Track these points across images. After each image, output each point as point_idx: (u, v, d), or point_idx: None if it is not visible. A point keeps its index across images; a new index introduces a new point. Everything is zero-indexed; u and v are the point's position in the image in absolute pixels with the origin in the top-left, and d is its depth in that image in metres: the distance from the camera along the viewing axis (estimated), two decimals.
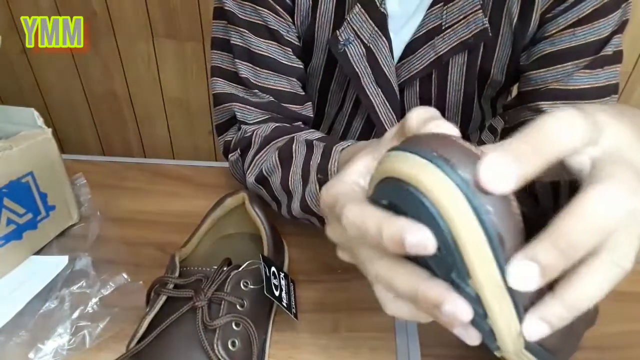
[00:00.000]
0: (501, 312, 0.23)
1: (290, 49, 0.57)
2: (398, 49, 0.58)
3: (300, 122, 0.59)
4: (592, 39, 0.51)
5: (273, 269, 0.42)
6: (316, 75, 0.64)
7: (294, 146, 0.50)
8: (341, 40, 0.56)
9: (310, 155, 0.47)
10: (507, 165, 0.21)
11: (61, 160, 0.54)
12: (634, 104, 1.40)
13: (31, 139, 0.51)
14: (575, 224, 0.21)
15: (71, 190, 0.56)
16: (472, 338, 0.25)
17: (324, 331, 0.45)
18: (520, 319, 0.23)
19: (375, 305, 0.28)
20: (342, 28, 0.55)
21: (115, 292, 0.49)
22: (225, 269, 0.41)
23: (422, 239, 0.22)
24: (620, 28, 0.52)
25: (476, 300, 0.23)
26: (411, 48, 0.57)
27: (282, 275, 0.43)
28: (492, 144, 0.24)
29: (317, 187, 0.46)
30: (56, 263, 0.49)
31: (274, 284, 0.42)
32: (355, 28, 0.55)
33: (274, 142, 0.54)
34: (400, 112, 0.63)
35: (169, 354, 0.38)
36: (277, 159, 0.51)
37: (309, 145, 0.49)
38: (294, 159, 0.49)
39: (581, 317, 0.24)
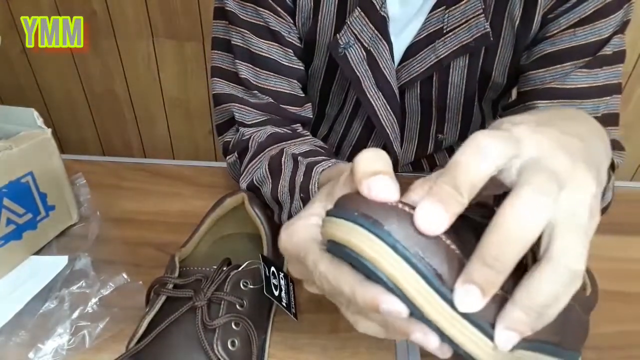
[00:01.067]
0: (464, 337, 0.24)
1: (291, 50, 0.57)
2: (399, 51, 0.58)
3: (299, 124, 0.59)
4: (593, 40, 0.51)
5: (273, 269, 0.42)
6: (318, 76, 0.64)
7: (282, 159, 0.50)
8: (341, 43, 0.56)
9: (296, 172, 0.48)
10: (437, 212, 0.23)
11: (61, 160, 0.55)
12: (634, 104, 1.40)
13: (31, 139, 0.51)
14: (495, 238, 0.23)
15: (71, 190, 0.56)
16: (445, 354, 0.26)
17: (323, 331, 0.45)
18: (487, 333, 0.24)
19: None
20: (343, 31, 0.55)
21: (115, 292, 0.49)
22: (224, 268, 0.41)
23: (394, 308, 0.24)
24: (621, 28, 0.52)
25: (440, 332, 0.24)
26: (412, 51, 0.57)
27: (281, 275, 0.43)
28: (418, 181, 0.26)
29: (302, 205, 0.46)
30: (56, 263, 0.49)
31: (273, 284, 0.42)
32: (356, 31, 0.55)
33: (267, 150, 0.54)
34: (401, 114, 0.63)
35: (169, 353, 0.38)
36: (267, 169, 0.51)
37: (295, 160, 0.49)
38: (282, 171, 0.49)
39: (577, 303, 0.24)
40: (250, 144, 0.55)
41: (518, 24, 0.54)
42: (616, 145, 0.53)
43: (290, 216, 0.48)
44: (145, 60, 1.48)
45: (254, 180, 0.53)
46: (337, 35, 0.56)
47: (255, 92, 0.56)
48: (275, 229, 0.50)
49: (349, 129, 0.69)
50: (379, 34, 0.55)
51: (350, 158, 0.71)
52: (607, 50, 0.51)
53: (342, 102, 0.66)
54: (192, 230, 0.48)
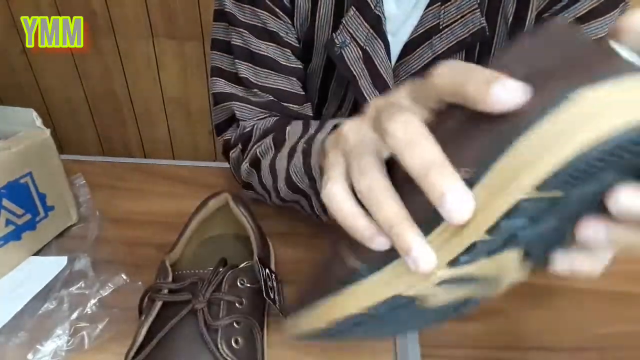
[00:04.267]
0: None
1: (289, 50, 0.57)
2: (397, 49, 0.58)
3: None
4: None
5: (267, 270, 0.42)
6: (316, 75, 0.64)
7: (288, 127, 0.50)
8: (337, 42, 0.56)
9: (306, 132, 0.48)
10: None
11: (60, 160, 0.54)
12: None
13: (30, 140, 0.51)
14: None
15: (70, 191, 0.56)
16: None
17: None
18: None
19: None
20: (338, 31, 0.55)
21: (114, 293, 0.48)
22: (221, 269, 0.41)
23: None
24: None
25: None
26: (409, 48, 0.57)
27: (273, 276, 0.43)
28: None
29: (302, 159, 0.45)
30: (55, 264, 0.49)
31: (269, 286, 0.42)
32: (351, 31, 0.55)
33: (273, 133, 0.54)
34: None
35: (173, 357, 0.38)
36: (271, 142, 0.52)
37: (305, 124, 0.49)
38: (287, 139, 0.49)
39: None
40: (254, 133, 0.55)
41: (511, 21, 0.54)
42: None
43: (287, 179, 0.47)
44: (145, 60, 1.48)
45: (258, 153, 0.53)
46: (333, 34, 0.56)
47: (256, 90, 0.56)
48: (260, 228, 0.50)
49: None
50: (374, 33, 0.55)
51: None
52: None
53: (341, 101, 0.66)
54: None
